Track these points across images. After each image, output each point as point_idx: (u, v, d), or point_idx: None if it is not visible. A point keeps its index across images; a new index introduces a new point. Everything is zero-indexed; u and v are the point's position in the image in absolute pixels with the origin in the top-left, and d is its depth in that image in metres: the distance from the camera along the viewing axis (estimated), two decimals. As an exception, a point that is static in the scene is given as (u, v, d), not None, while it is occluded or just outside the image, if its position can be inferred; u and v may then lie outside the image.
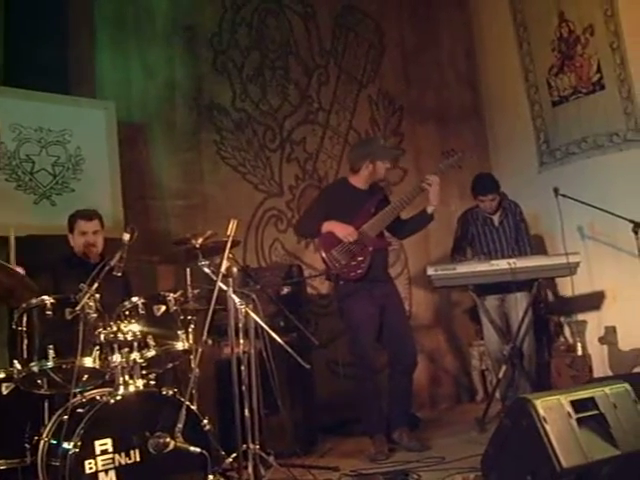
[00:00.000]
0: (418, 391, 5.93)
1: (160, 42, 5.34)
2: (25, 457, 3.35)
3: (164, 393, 3.38)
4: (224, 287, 3.59)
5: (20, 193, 4.48)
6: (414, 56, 6.79)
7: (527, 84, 6.62)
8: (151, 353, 3.49)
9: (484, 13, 7.08)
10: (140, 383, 3.40)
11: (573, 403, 3.25)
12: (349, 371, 4.88)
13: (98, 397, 3.38)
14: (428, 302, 6.39)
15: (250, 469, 3.58)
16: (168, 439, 3.14)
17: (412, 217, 4.78)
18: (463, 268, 4.99)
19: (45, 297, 3.32)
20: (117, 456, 3.12)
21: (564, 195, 5.34)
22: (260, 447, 3.67)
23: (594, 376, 5.72)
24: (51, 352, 3.23)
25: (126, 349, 3.40)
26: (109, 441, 3.11)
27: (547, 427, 3.09)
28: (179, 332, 3.60)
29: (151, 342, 3.49)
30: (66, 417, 3.19)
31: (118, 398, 3.25)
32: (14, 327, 3.37)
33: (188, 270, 3.94)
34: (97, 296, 3.37)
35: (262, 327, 3.72)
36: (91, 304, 3.33)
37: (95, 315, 3.35)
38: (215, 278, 3.58)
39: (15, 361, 3.32)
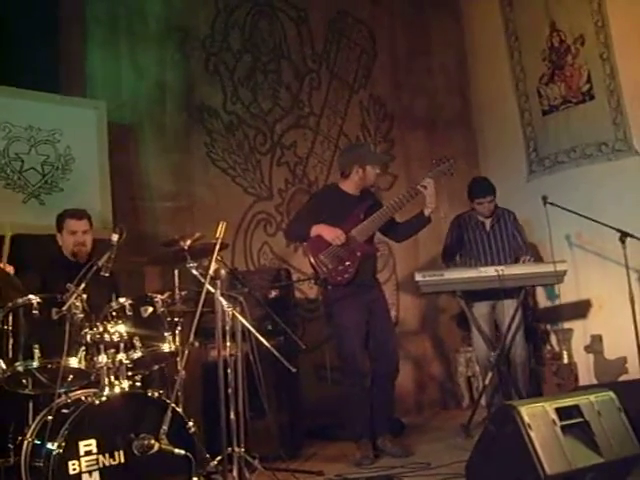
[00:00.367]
0: (404, 397, 5.95)
1: (152, 43, 5.33)
2: (9, 457, 3.31)
3: (150, 395, 3.38)
4: (212, 289, 3.58)
5: (9, 192, 4.46)
6: (405, 63, 6.82)
7: (517, 93, 6.65)
8: (137, 354, 3.48)
9: (476, 22, 7.12)
10: (126, 384, 3.40)
11: (558, 410, 3.27)
12: (336, 376, 4.87)
13: (83, 398, 3.37)
14: (415, 308, 6.41)
15: (235, 472, 3.57)
16: (153, 441, 3.15)
17: (409, 220, 4.78)
18: (451, 274, 5.00)
19: (32, 296, 3.30)
20: (101, 457, 3.10)
21: (552, 203, 5.36)
22: (245, 450, 3.67)
23: (579, 384, 5.76)
24: (37, 352, 3.21)
25: (112, 350, 3.39)
26: (93, 442, 3.10)
27: (532, 434, 3.11)
28: (166, 334, 3.59)
29: (137, 343, 3.48)
30: (50, 417, 3.17)
31: (103, 399, 3.24)
32: (-1, 326, 3.35)
33: (176, 272, 3.93)
34: (84, 296, 3.36)
35: (249, 330, 3.72)
36: (78, 304, 3.32)
37: (82, 315, 3.34)
38: (203, 280, 3.57)
39: (0, 360, 3.30)
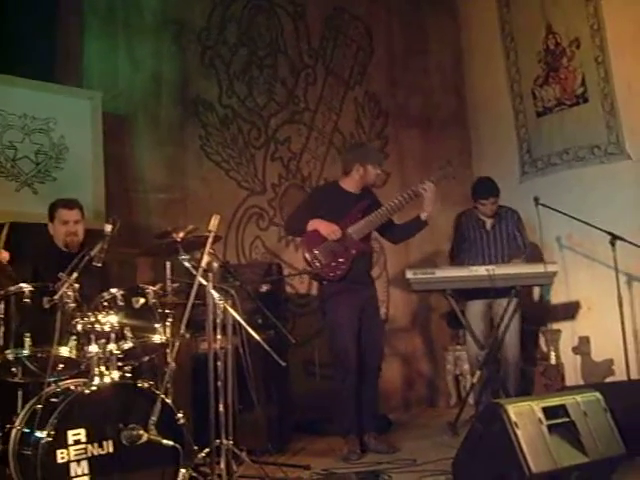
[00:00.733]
0: (392, 393, 5.98)
1: (148, 35, 5.33)
2: (-4, 445, 3.32)
3: (139, 385, 3.38)
4: (204, 282, 3.59)
5: (2, 180, 4.46)
6: (402, 61, 6.83)
7: (512, 94, 6.67)
8: (128, 345, 3.49)
9: (473, 22, 7.14)
10: (116, 375, 3.40)
11: (544, 410, 3.30)
12: (326, 371, 4.89)
13: (72, 387, 3.36)
14: (405, 305, 6.43)
15: (222, 464, 3.58)
16: (141, 431, 3.15)
17: (406, 222, 4.82)
18: (442, 273, 5.02)
19: (23, 285, 3.31)
20: (90, 446, 3.10)
21: (544, 205, 5.40)
22: (233, 443, 3.68)
23: (566, 385, 5.79)
24: (27, 340, 3.22)
25: (103, 340, 3.39)
26: (82, 431, 3.10)
27: (518, 432, 3.14)
28: (157, 325, 3.60)
29: (128, 334, 3.49)
30: (40, 406, 3.17)
31: (93, 388, 3.24)
32: (-10, 314, 3.34)
33: (168, 264, 3.93)
34: (76, 286, 3.36)
35: (240, 323, 3.73)
36: (70, 294, 3.33)
37: (73, 305, 3.35)
38: (195, 273, 3.58)
39: (-10, 348, 3.30)
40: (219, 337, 3.66)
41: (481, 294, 5.22)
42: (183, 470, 3.32)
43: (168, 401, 3.39)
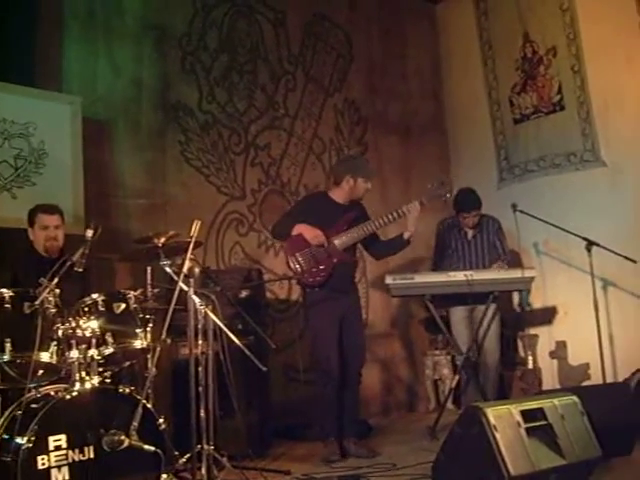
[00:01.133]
0: (371, 398, 6.01)
1: (129, 40, 5.31)
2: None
3: (120, 391, 3.38)
4: (185, 287, 3.60)
5: (-20, 184, 4.43)
6: (381, 67, 6.89)
7: (490, 101, 6.76)
8: (109, 350, 3.49)
9: (451, 29, 7.23)
10: (96, 380, 3.40)
11: (523, 413, 3.35)
12: (307, 376, 4.91)
13: (52, 393, 3.36)
14: (385, 310, 6.46)
15: (203, 470, 3.59)
16: (123, 437, 3.16)
17: (389, 240, 4.90)
18: (421, 278, 5.06)
19: (4, 290, 3.29)
20: (71, 452, 3.11)
21: (522, 211, 5.47)
22: (214, 448, 3.68)
23: (543, 389, 5.85)
24: (8, 345, 3.21)
25: (84, 345, 3.39)
26: (63, 437, 3.10)
27: (497, 435, 3.18)
28: (138, 330, 3.60)
29: (109, 339, 3.49)
30: (19, 412, 3.16)
31: (74, 394, 3.24)
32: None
33: (149, 269, 3.93)
34: (57, 291, 3.35)
35: (220, 329, 3.74)
36: (50, 299, 3.32)
37: (54, 310, 3.34)
38: (176, 278, 3.58)
39: (-30, 354, 3.28)
40: (200, 342, 3.67)
41: (462, 300, 5.28)
42: (164, 475, 3.34)
43: (149, 406, 3.39)
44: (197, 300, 3.64)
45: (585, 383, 5.75)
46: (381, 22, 6.96)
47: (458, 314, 5.48)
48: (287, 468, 4.21)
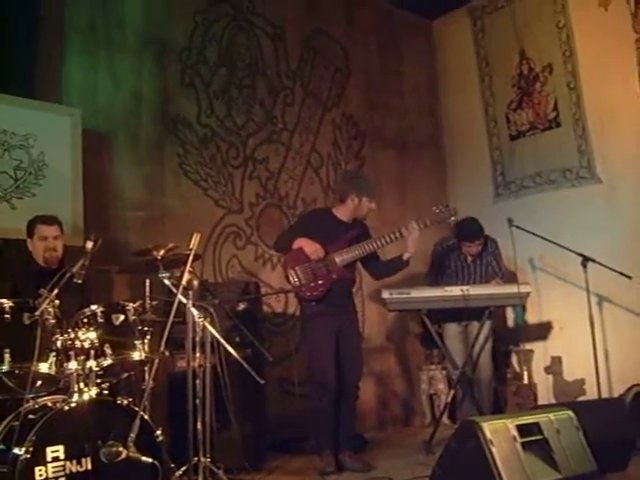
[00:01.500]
0: (367, 413, 6.01)
1: (129, 53, 5.34)
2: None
3: (118, 402, 3.39)
4: (184, 300, 3.61)
5: (-21, 195, 4.44)
6: (378, 82, 6.94)
7: (487, 117, 6.82)
8: (107, 362, 3.49)
9: (448, 45, 7.29)
10: (94, 391, 3.40)
11: (519, 427, 3.36)
12: (304, 390, 4.92)
13: (50, 404, 3.37)
14: (381, 324, 6.48)
15: (200, 482, 3.59)
16: (120, 448, 3.16)
17: (389, 261, 4.92)
18: (417, 293, 5.09)
19: (3, 300, 3.30)
20: (68, 463, 3.11)
21: (517, 226, 5.49)
22: (211, 461, 3.69)
23: (539, 404, 5.87)
24: (7, 356, 3.21)
25: (82, 357, 3.40)
26: (61, 448, 3.10)
27: (493, 450, 3.19)
28: (136, 342, 3.61)
29: (108, 351, 3.49)
30: (17, 423, 3.16)
31: (72, 405, 3.25)
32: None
33: (147, 281, 3.94)
34: (56, 302, 3.36)
35: (218, 341, 3.75)
36: (50, 310, 3.33)
37: (53, 321, 3.35)
38: (175, 290, 3.60)
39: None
40: (198, 355, 3.68)
41: (457, 317, 5.31)
42: (161, 488, 3.33)
43: (147, 418, 3.39)
44: (195, 313, 3.65)
45: (580, 398, 5.76)
46: (378, 37, 7.03)
47: (452, 329, 5.53)
48: (283, 481, 4.22)
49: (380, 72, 6.99)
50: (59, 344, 3.36)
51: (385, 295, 5.03)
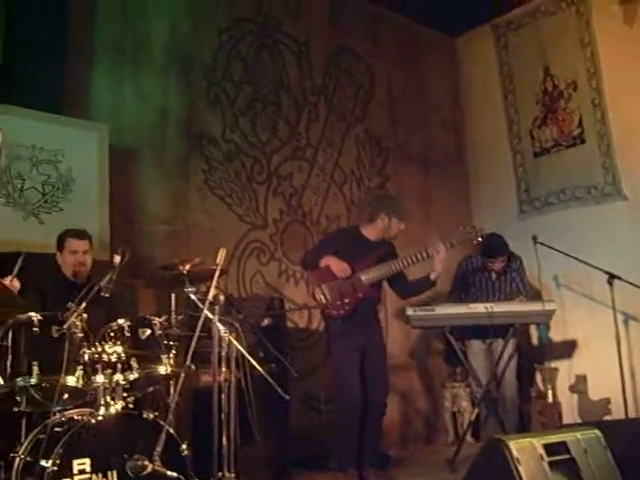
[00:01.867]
0: (389, 430, 5.96)
1: (156, 70, 5.40)
2: (-1, 474, 3.32)
3: (145, 416, 3.40)
4: (210, 315, 3.62)
5: (9, 209, 4.49)
6: (402, 99, 6.96)
7: (511, 134, 6.81)
8: (134, 375, 3.51)
9: (471, 62, 7.30)
10: (120, 405, 3.42)
11: (546, 446, 3.31)
12: (328, 407, 4.92)
13: (76, 417, 3.38)
14: (404, 341, 6.45)
15: (224, 497, 3.58)
16: (146, 462, 3.17)
17: (416, 280, 4.93)
18: (441, 310, 5.07)
19: (33, 314, 3.32)
20: (94, 476, 3.12)
21: (542, 243, 5.47)
22: (235, 476, 3.68)
23: (564, 423, 5.81)
24: (35, 369, 3.23)
25: (109, 370, 3.42)
26: (87, 461, 3.12)
27: (520, 468, 3.15)
28: (162, 356, 3.62)
29: (134, 364, 3.51)
30: (44, 435, 3.18)
31: (99, 418, 3.27)
32: (-1, 342, 3.36)
33: (173, 296, 3.96)
34: (84, 316, 3.39)
35: (243, 356, 3.75)
36: (78, 323, 3.36)
37: (81, 335, 3.38)
38: (202, 305, 3.61)
39: (-1, 376, 3.31)
40: (223, 370, 3.68)
41: (482, 334, 5.28)
42: (186, 502, 3.33)
43: (173, 432, 3.40)
44: (222, 328, 3.66)
45: (606, 418, 5.69)
46: (402, 54, 7.06)
47: (476, 346, 5.51)
48: (306, 498, 4.20)
49: (403, 89, 7.01)
50: (86, 357, 3.38)
51: (409, 312, 5.02)
